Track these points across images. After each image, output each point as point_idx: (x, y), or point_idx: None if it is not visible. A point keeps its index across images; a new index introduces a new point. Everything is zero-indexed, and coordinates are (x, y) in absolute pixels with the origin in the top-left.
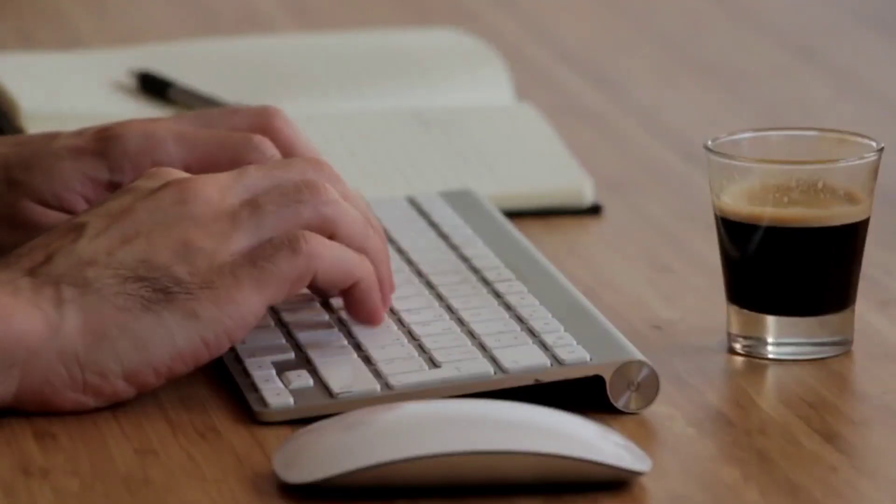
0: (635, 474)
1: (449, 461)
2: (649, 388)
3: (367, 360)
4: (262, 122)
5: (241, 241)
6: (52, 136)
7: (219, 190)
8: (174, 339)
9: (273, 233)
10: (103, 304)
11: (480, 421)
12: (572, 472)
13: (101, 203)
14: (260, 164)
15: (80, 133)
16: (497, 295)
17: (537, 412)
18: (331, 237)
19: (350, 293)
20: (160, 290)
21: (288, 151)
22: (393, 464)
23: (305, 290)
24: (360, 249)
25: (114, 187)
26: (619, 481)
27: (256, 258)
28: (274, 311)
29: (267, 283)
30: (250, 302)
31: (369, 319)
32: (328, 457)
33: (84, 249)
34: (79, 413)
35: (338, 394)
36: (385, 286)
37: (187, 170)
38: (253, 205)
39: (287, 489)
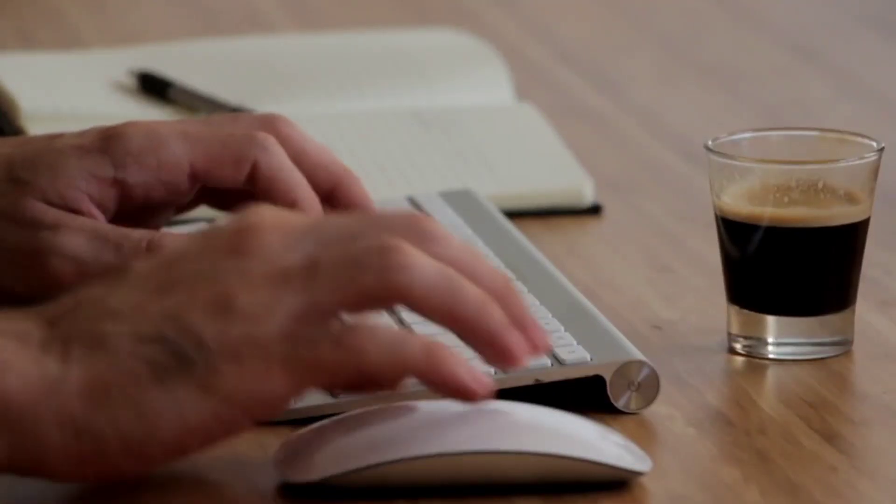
0: (636, 474)
1: (449, 461)
2: (649, 388)
3: None
4: (269, 128)
5: (285, 306)
6: (55, 136)
7: (285, 240)
8: (184, 413)
9: (326, 297)
10: (109, 365)
11: (480, 421)
12: (572, 472)
13: (161, 249)
14: (260, 170)
15: (83, 133)
16: None
17: (537, 412)
18: (408, 305)
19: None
20: (177, 355)
21: (298, 155)
22: (393, 463)
23: None
24: (449, 312)
25: (118, 185)
26: (618, 481)
27: (296, 340)
28: None
29: (300, 371)
30: (278, 388)
31: (459, 397)
32: (328, 456)
33: (116, 300)
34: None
35: (338, 394)
36: (500, 339)
37: (192, 169)
38: (310, 266)
39: (287, 489)
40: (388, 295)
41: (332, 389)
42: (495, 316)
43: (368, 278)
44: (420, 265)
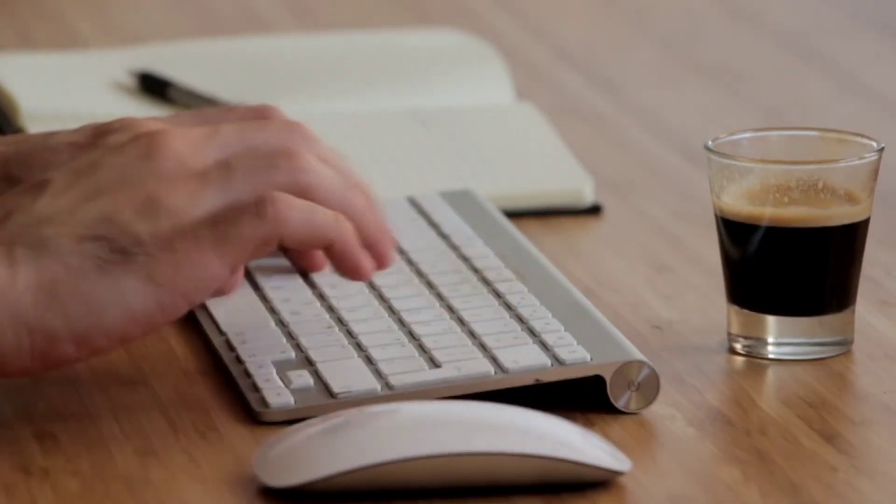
0: (616, 474)
1: (431, 463)
2: (649, 388)
3: (368, 360)
4: (259, 119)
5: (208, 202)
6: (49, 134)
7: (190, 145)
8: (128, 302)
9: (243, 197)
10: (56, 263)
11: (463, 422)
12: (556, 473)
13: (68, 160)
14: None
15: (77, 130)
16: (497, 295)
17: (521, 414)
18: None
19: (328, 253)
20: (118, 250)
21: None
22: (375, 467)
23: (303, 285)
24: (341, 211)
25: None
26: (600, 481)
27: (219, 221)
28: (274, 311)
29: (229, 248)
30: (211, 266)
31: (353, 276)
32: (311, 459)
33: (43, 208)
34: (79, 413)
35: (338, 394)
36: (378, 240)
37: None
38: (225, 166)
39: (276, 493)
40: (294, 191)
41: (258, 258)
42: (374, 220)
43: (280, 178)
44: (318, 167)
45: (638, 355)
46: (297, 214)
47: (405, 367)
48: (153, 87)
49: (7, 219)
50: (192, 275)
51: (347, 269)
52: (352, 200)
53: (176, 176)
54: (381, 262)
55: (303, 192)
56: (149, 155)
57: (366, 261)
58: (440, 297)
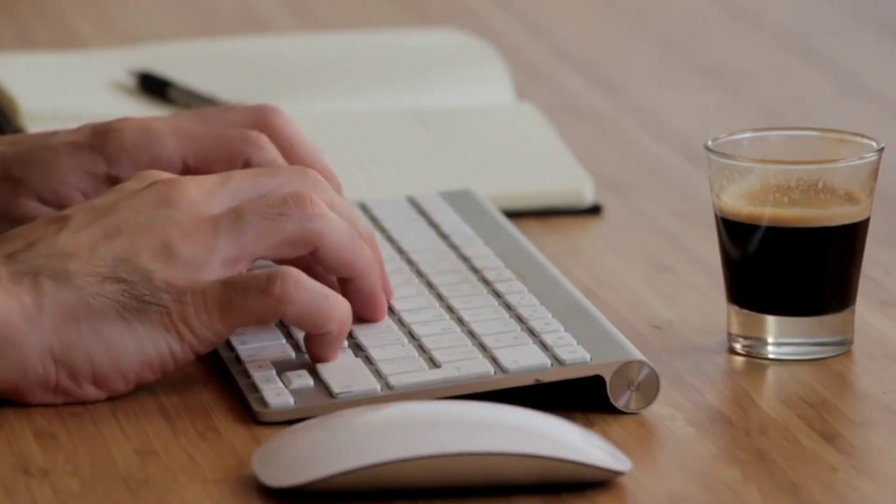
0: (617, 474)
1: (430, 463)
2: (649, 388)
3: (368, 360)
4: (260, 118)
5: (221, 251)
6: (49, 134)
7: (203, 193)
8: (144, 349)
9: (255, 244)
10: (80, 303)
11: (459, 423)
12: (557, 473)
13: (87, 200)
14: (248, 168)
15: (77, 129)
16: (497, 295)
17: (523, 414)
18: (316, 250)
19: (312, 334)
20: (135, 297)
21: (286, 148)
22: (377, 466)
23: None
24: (348, 262)
25: (112, 181)
26: (600, 481)
27: (228, 287)
28: None
29: (231, 315)
30: (214, 327)
31: (313, 358)
32: (311, 459)
33: (66, 241)
34: (78, 413)
35: (338, 394)
36: (377, 296)
37: (184, 165)
38: (236, 214)
39: (277, 493)
40: (305, 241)
41: (263, 326)
42: (378, 272)
43: (290, 225)
44: (329, 214)
45: (638, 355)
46: (302, 296)
47: (405, 367)
48: (153, 87)
49: (31, 248)
50: (198, 330)
51: (316, 353)
52: (359, 250)
53: (190, 223)
54: (376, 314)
55: (311, 240)
56: (165, 201)
57: (336, 354)
58: (440, 297)
